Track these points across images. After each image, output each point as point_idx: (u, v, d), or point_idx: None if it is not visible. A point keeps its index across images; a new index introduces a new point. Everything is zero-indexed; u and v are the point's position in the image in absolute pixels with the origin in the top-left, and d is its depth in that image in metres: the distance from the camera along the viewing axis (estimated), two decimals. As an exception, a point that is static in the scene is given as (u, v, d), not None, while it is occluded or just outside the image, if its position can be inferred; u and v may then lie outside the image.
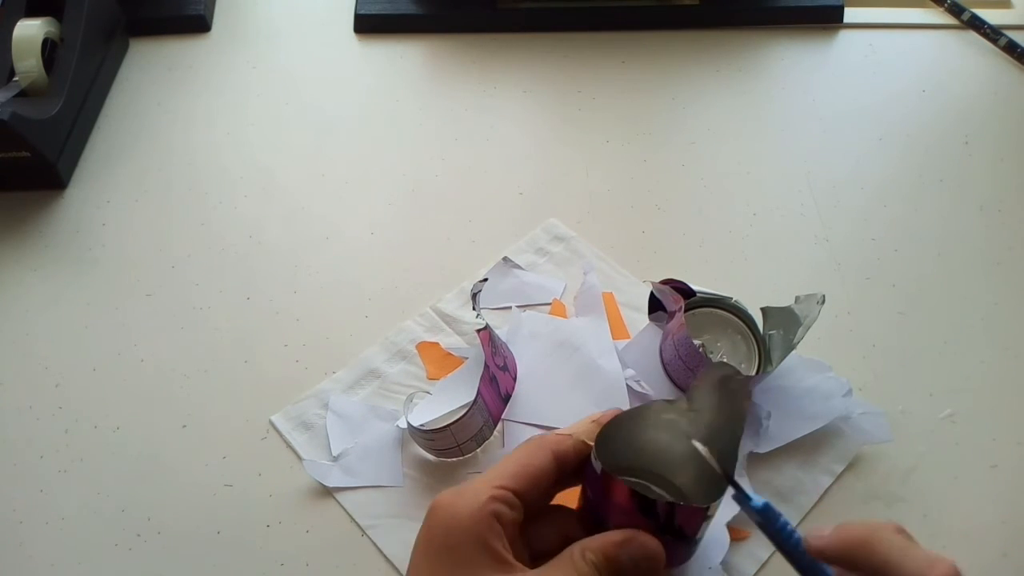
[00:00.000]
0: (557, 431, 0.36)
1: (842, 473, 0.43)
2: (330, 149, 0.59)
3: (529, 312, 0.50)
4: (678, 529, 0.32)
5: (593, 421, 0.36)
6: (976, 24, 0.66)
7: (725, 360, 0.45)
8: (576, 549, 0.32)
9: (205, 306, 0.51)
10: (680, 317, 0.43)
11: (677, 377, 0.45)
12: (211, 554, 0.42)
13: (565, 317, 0.50)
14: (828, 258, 0.53)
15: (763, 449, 0.43)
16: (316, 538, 0.42)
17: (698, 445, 0.33)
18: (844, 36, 0.67)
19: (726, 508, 0.40)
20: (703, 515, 0.33)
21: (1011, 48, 0.64)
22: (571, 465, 0.34)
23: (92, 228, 0.55)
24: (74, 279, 0.52)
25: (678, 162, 0.58)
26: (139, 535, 0.42)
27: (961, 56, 0.65)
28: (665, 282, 0.45)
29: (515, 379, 0.46)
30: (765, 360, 0.44)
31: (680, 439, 0.36)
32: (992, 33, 0.65)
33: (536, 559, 0.34)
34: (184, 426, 0.46)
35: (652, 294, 0.47)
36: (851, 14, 0.67)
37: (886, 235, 0.54)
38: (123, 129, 0.60)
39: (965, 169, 0.58)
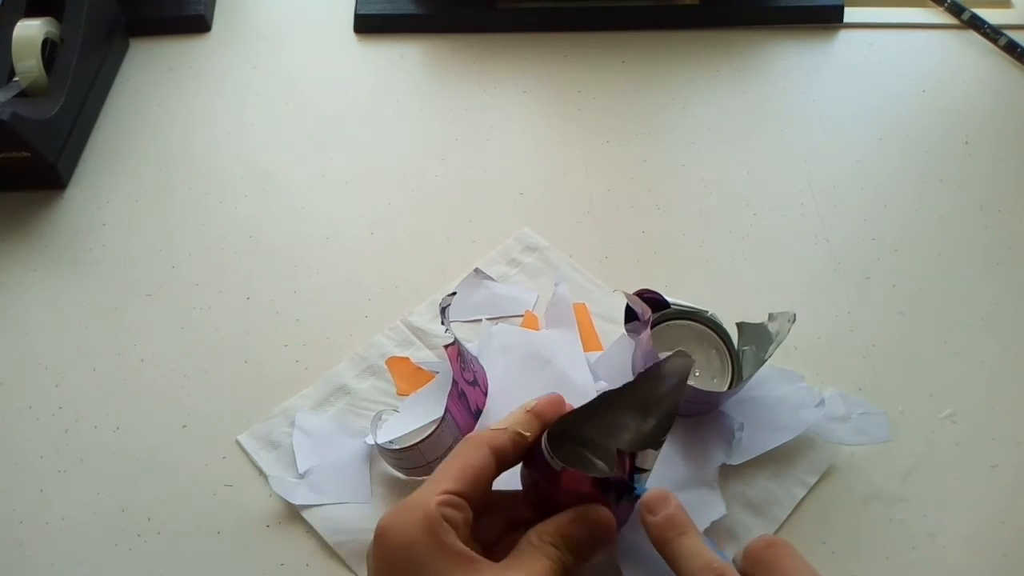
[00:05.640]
0: (490, 426, 0.36)
1: (842, 474, 0.43)
2: (330, 149, 0.59)
3: (500, 324, 0.49)
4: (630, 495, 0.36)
5: (528, 411, 0.36)
6: (976, 24, 0.66)
7: (698, 375, 0.44)
8: (533, 536, 0.33)
9: (205, 306, 0.51)
10: (647, 331, 0.42)
11: None
12: (211, 554, 0.42)
13: (537, 329, 0.49)
14: (828, 258, 0.53)
15: (736, 461, 0.42)
16: (316, 538, 0.42)
17: None
18: (844, 36, 0.67)
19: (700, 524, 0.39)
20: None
21: (1011, 48, 0.64)
22: (509, 457, 0.35)
23: (92, 228, 0.55)
24: (74, 279, 0.52)
25: (678, 162, 0.58)
26: (139, 535, 0.42)
27: (961, 56, 0.65)
28: (639, 293, 0.44)
29: (486, 393, 0.45)
30: (738, 375, 0.44)
31: (628, 424, 0.37)
32: (992, 33, 0.65)
33: (487, 549, 0.34)
34: (184, 426, 0.46)
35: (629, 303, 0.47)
36: (851, 14, 0.67)
37: (886, 235, 0.54)
38: (123, 129, 0.60)
39: (965, 169, 0.58)
